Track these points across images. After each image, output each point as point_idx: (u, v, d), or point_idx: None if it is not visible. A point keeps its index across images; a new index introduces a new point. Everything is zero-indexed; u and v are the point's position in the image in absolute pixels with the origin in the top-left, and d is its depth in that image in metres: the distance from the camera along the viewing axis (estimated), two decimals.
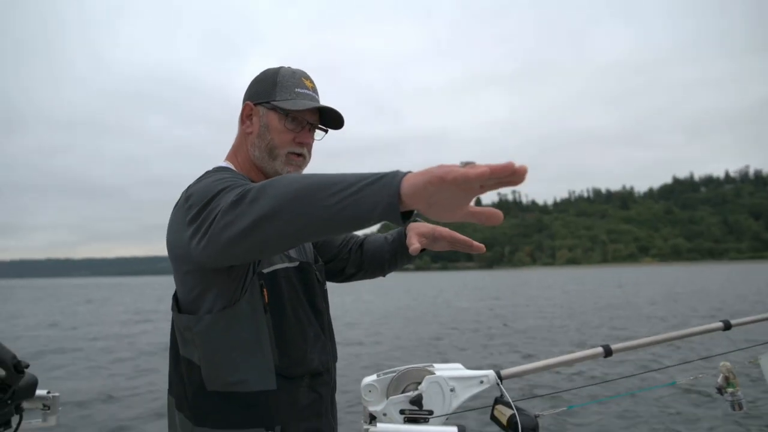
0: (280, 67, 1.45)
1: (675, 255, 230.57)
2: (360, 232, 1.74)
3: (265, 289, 1.29)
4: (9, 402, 1.22)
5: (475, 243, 1.45)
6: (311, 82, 1.45)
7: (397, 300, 30.02)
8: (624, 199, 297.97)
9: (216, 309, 1.25)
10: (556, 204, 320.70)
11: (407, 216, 0.91)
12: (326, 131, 1.49)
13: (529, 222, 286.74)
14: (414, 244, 1.47)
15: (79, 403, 7.28)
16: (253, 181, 1.42)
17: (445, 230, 1.50)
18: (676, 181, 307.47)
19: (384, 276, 1.76)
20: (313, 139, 1.47)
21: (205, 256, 1.10)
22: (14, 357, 1.19)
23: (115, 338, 15.14)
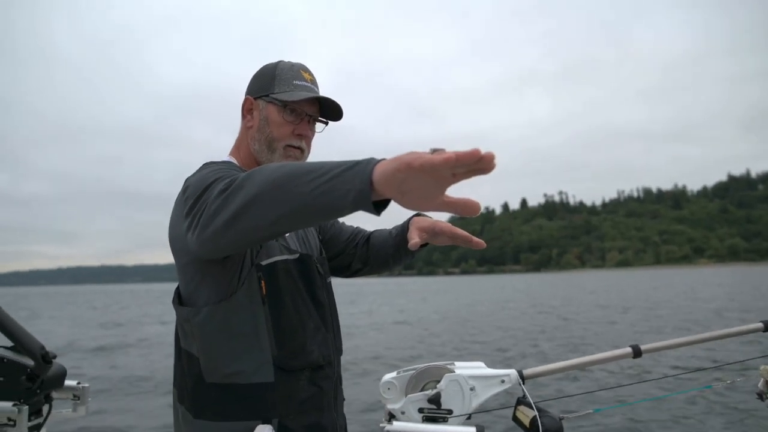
0: (279, 61, 1.46)
1: (732, 255, 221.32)
2: (366, 226, 1.73)
3: (263, 281, 1.28)
4: (38, 391, 1.26)
5: (475, 239, 1.40)
6: (310, 74, 1.46)
7: (436, 302, 29.84)
8: (676, 198, 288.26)
9: (213, 301, 1.25)
10: (604, 204, 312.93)
11: (382, 205, 0.90)
12: (326, 123, 1.49)
13: (577, 223, 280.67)
14: (414, 239, 1.45)
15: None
16: None
17: (446, 225, 1.47)
18: (732, 179, 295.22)
19: (390, 271, 1.73)
20: (312, 132, 1.47)
21: (198, 247, 1.11)
22: (42, 348, 1.23)
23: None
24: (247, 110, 1.46)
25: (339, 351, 1.48)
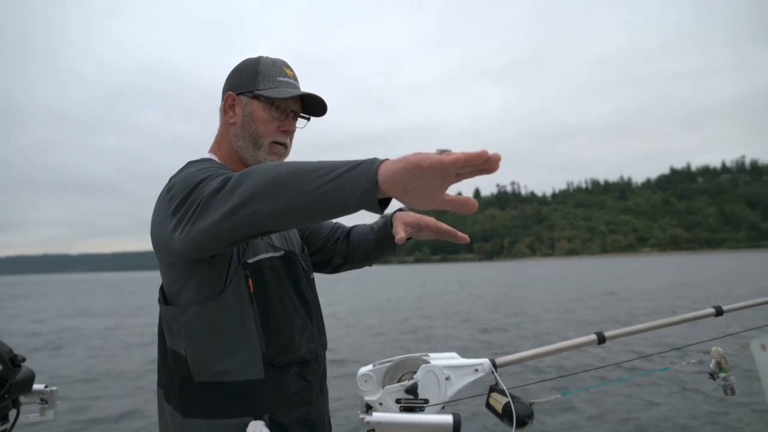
0: (260, 57, 1.45)
1: (673, 245, 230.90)
2: (347, 223, 1.76)
3: (250, 279, 1.29)
4: (6, 396, 1.23)
5: (460, 233, 1.46)
6: (291, 70, 1.46)
7: (395, 291, 30.05)
8: (622, 189, 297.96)
9: (200, 300, 1.25)
10: (554, 195, 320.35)
11: (385, 203, 0.92)
12: (308, 119, 1.50)
13: (529, 213, 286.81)
14: (399, 233, 1.48)
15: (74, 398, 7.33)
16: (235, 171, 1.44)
17: (431, 220, 1.51)
18: (674, 172, 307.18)
19: (370, 265, 1.75)
20: (296, 128, 1.47)
21: (188, 246, 1.11)
22: (10, 351, 1.20)
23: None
24: (228, 106, 1.43)
25: (324, 345, 1.50)
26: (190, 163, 1.34)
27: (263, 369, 1.28)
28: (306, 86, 1.49)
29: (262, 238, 1.34)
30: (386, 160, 0.90)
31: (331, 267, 1.72)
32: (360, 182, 0.89)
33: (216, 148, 1.47)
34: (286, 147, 1.44)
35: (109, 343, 13.42)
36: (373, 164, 0.89)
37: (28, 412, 1.44)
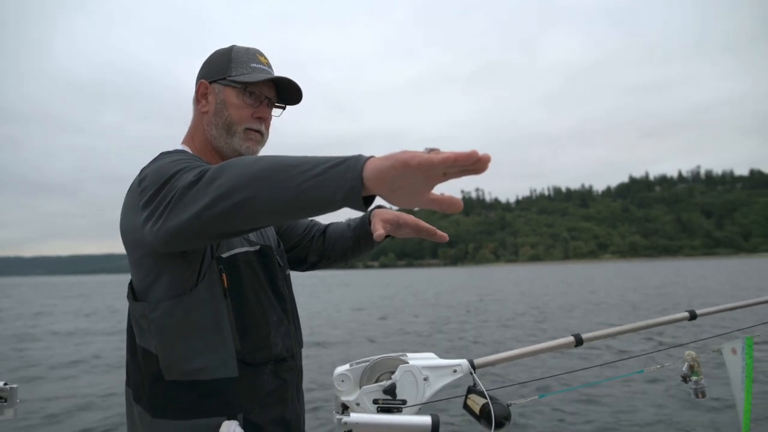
0: (233, 45, 1.42)
1: (632, 252, 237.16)
2: (323, 220, 1.72)
3: (224, 274, 1.24)
4: None
5: (439, 232, 1.44)
6: (265, 58, 1.42)
7: (366, 295, 30.03)
8: (583, 197, 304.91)
9: (171, 295, 1.21)
10: (518, 202, 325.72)
11: (369, 201, 0.90)
12: (284, 108, 1.47)
13: (492, 219, 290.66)
14: (378, 230, 1.46)
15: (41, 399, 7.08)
16: (210, 164, 1.40)
17: (410, 217, 1.49)
18: (632, 180, 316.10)
19: (347, 263, 1.72)
20: (271, 116, 1.44)
21: (160, 240, 1.06)
22: None
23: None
24: (201, 95, 1.40)
25: (300, 344, 1.47)
26: (163, 154, 1.28)
27: (237, 367, 1.24)
28: None
29: None
30: (372, 157, 0.87)
31: (306, 264, 1.68)
32: (345, 179, 0.86)
33: (189, 139, 1.43)
34: (262, 135, 1.41)
35: (71, 341, 13.01)
36: (359, 161, 0.86)
37: None
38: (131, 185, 1.23)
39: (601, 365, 1.73)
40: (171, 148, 1.38)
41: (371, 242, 1.59)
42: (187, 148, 1.41)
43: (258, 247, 1.35)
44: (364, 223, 1.60)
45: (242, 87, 1.36)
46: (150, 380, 1.24)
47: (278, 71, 1.43)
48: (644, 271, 62.49)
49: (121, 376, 1.39)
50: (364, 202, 0.88)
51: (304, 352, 1.51)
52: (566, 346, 1.47)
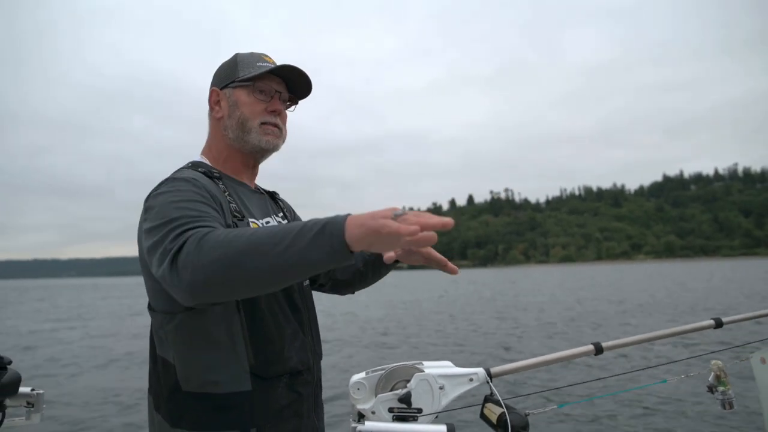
0: (237, 53, 1.45)
1: (668, 252, 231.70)
2: None
3: None
4: None
5: (450, 264, 1.38)
6: (271, 59, 1.45)
7: (391, 298, 30.00)
8: (615, 196, 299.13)
9: (186, 308, 1.21)
10: (548, 202, 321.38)
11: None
12: (296, 103, 1.48)
13: (522, 220, 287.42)
14: (389, 254, 1.43)
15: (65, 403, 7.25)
16: (232, 167, 1.44)
17: None
18: (666, 179, 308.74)
19: (353, 292, 1.72)
20: (285, 109, 1.46)
21: (169, 287, 1.07)
22: None
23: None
24: (214, 102, 1.44)
25: (318, 356, 1.47)
26: (169, 181, 1.28)
27: (250, 380, 1.25)
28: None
29: None
30: (348, 216, 0.96)
31: (315, 285, 1.67)
32: (331, 245, 0.95)
33: (207, 149, 1.47)
34: (280, 129, 1.43)
35: (100, 344, 13.31)
36: (336, 227, 0.95)
37: (14, 416, 1.41)
38: (142, 211, 1.25)
39: (622, 374, 1.68)
40: (188, 161, 1.42)
41: (381, 266, 1.60)
42: (204, 159, 1.45)
43: None
44: None
45: (251, 84, 1.38)
46: (169, 390, 1.26)
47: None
48: (680, 273, 60.97)
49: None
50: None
51: (326, 361, 1.51)
52: (586, 354, 1.45)
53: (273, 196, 1.62)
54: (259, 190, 1.55)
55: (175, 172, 1.35)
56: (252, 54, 1.43)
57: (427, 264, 1.43)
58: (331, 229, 0.95)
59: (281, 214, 1.56)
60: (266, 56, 1.44)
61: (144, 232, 1.17)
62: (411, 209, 1.52)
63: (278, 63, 1.43)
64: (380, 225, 0.91)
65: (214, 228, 1.08)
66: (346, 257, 0.96)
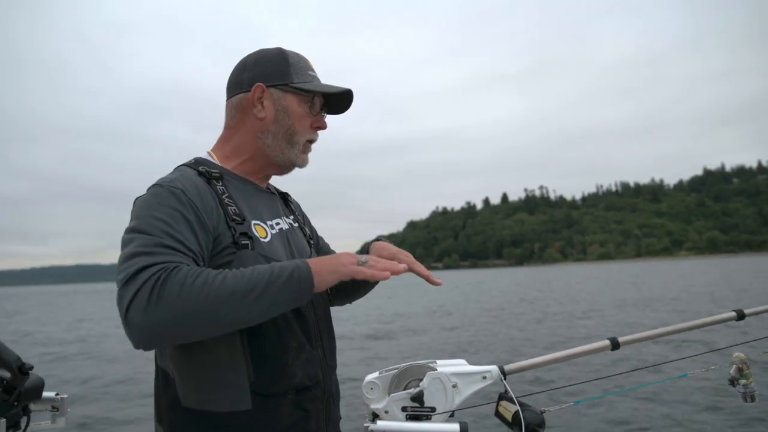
0: (282, 48, 1.34)
1: (712, 248, 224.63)
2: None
3: None
4: (16, 404, 1.24)
5: (433, 277, 1.33)
6: (313, 65, 1.38)
7: (420, 299, 29.90)
8: (654, 192, 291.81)
9: None
10: (584, 199, 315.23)
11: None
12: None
13: (558, 217, 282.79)
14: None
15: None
16: (248, 169, 1.36)
17: (408, 257, 1.37)
18: (707, 173, 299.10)
19: (344, 304, 1.63)
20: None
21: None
22: (18, 359, 1.21)
23: None
24: (257, 99, 1.30)
25: (330, 368, 1.39)
26: (156, 188, 1.20)
27: (251, 399, 1.18)
28: None
29: (253, 248, 1.23)
30: (311, 261, 1.13)
31: None
32: (301, 291, 1.10)
33: (220, 145, 1.37)
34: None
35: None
36: (303, 272, 1.09)
37: (39, 420, 1.45)
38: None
39: (640, 368, 1.64)
40: (184, 161, 1.34)
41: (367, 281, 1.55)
42: (209, 157, 1.35)
43: None
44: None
45: (309, 96, 1.31)
46: (168, 403, 1.22)
47: (327, 78, 1.39)
48: (725, 269, 59.05)
49: None
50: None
51: (341, 371, 1.46)
52: (602, 350, 1.42)
53: (285, 197, 1.54)
54: (269, 190, 1.46)
55: (172, 172, 1.29)
56: (299, 56, 1.33)
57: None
58: (299, 274, 1.08)
59: (292, 217, 1.48)
60: (311, 62, 1.36)
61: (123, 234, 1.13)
62: (381, 237, 1.49)
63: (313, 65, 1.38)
64: (353, 272, 1.10)
65: (177, 266, 1.02)
66: (309, 299, 1.13)
